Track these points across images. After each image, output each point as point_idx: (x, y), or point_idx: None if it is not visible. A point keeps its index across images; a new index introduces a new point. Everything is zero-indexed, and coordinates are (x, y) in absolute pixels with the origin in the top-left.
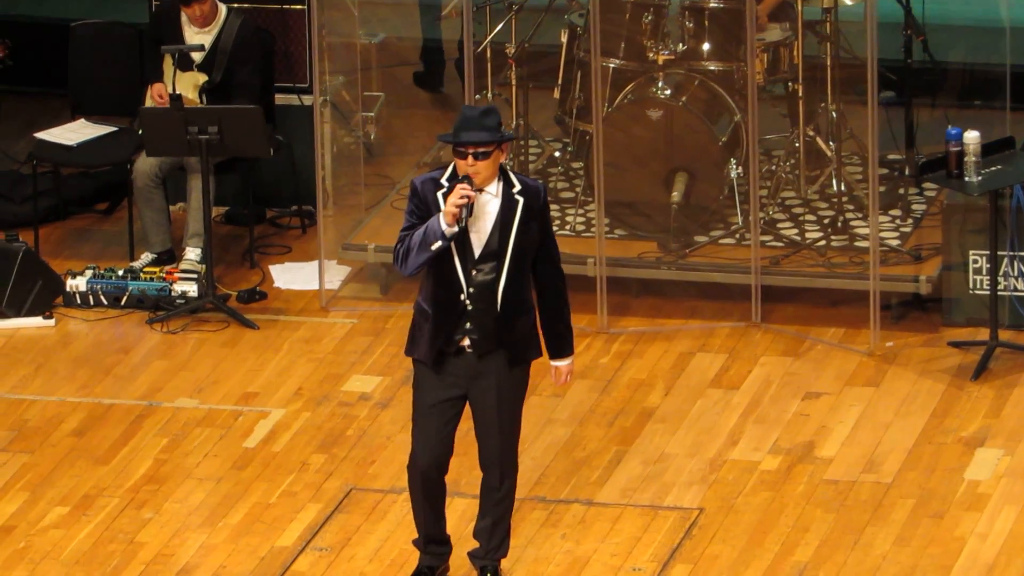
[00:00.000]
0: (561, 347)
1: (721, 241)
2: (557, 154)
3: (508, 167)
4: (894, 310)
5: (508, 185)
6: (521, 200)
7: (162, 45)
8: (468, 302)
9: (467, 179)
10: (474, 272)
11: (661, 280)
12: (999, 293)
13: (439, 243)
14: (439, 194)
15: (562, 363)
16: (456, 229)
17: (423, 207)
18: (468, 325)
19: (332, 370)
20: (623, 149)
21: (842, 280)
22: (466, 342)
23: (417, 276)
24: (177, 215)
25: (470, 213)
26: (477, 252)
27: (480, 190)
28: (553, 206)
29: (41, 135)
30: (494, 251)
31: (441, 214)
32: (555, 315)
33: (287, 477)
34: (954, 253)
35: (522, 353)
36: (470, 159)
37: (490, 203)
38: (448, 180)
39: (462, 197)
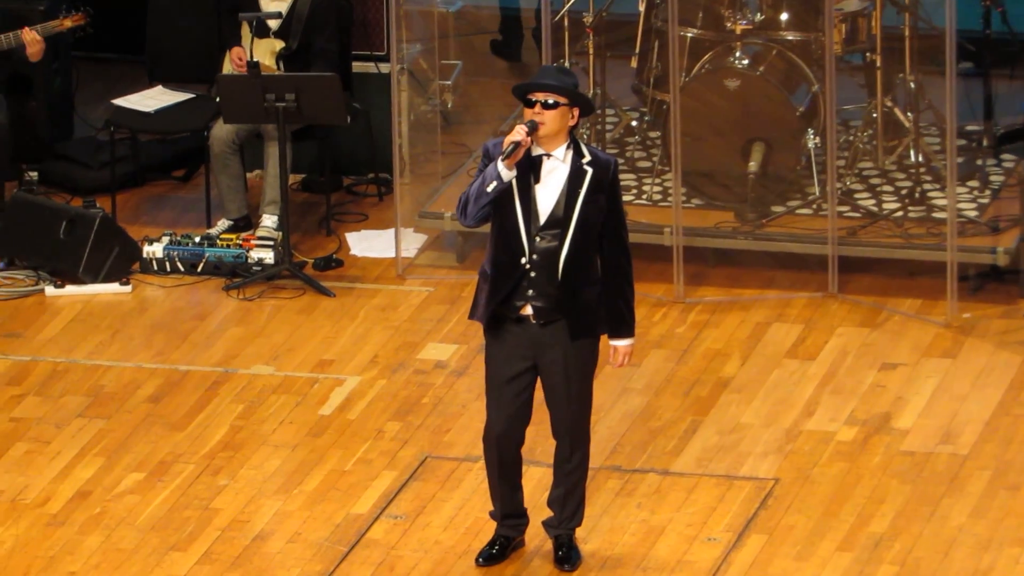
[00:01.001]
0: (619, 326)
1: (798, 211)
2: (634, 123)
3: (582, 139)
4: (972, 281)
5: (578, 155)
6: (590, 171)
7: (239, 12)
8: (529, 267)
9: (531, 123)
10: (538, 238)
11: (738, 250)
12: None
13: (495, 183)
14: None
15: (620, 343)
16: (514, 172)
17: None
18: (530, 292)
19: (408, 338)
20: (700, 119)
21: (919, 251)
22: (528, 310)
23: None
24: (254, 182)
25: (515, 151)
26: (543, 219)
27: (548, 155)
28: (630, 175)
29: (119, 101)
30: (559, 219)
31: (500, 158)
32: (615, 292)
33: (362, 445)
34: None
35: (588, 325)
36: (537, 107)
37: (558, 169)
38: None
39: (517, 133)
